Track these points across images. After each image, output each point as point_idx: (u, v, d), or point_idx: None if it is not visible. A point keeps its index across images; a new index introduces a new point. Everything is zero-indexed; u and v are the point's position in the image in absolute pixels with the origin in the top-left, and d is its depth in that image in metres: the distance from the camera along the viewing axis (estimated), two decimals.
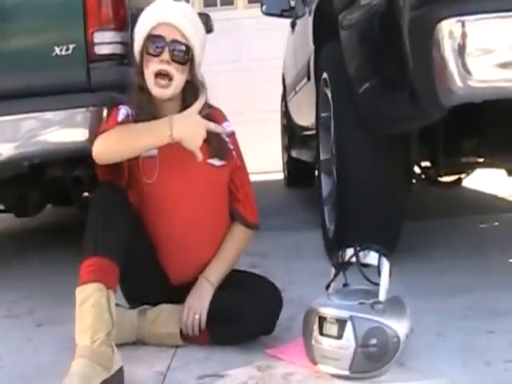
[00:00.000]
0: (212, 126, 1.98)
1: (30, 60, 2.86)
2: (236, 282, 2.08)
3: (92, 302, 1.76)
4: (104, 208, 1.91)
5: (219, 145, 2.10)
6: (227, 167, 2.14)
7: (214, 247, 2.13)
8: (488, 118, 2.89)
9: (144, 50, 2.05)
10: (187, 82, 2.08)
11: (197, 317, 2.00)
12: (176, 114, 2.03)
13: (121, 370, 1.77)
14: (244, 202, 2.19)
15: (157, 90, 2.03)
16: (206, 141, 2.00)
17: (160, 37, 2.02)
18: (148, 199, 2.09)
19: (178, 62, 2.02)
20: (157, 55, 2.01)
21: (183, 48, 2.03)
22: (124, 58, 2.93)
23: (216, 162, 2.10)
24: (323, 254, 3.06)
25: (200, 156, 1.93)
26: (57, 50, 2.82)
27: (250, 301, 1.98)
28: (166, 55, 2.01)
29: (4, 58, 2.86)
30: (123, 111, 2.09)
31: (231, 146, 2.17)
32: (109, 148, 1.96)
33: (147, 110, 2.06)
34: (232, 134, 2.19)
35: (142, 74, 2.07)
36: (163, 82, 2.02)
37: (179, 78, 2.04)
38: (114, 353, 1.76)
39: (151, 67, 2.02)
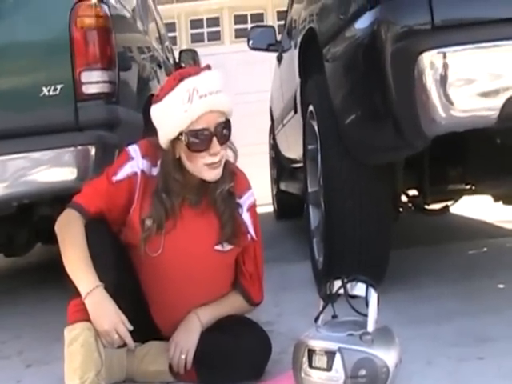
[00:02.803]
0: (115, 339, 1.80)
1: (17, 101, 2.87)
2: (225, 325, 2.04)
3: (81, 342, 1.75)
4: (92, 247, 1.87)
5: (233, 229, 2.01)
6: (237, 249, 2.07)
7: None
8: (472, 145, 2.92)
9: (181, 143, 1.88)
10: None
11: (183, 357, 1.96)
12: (200, 180, 1.95)
13: None
14: (252, 279, 2.13)
15: (210, 175, 1.91)
16: (219, 225, 1.98)
17: (204, 130, 1.86)
18: (147, 267, 2.03)
19: (225, 143, 1.91)
20: (205, 149, 1.87)
21: (226, 125, 1.91)
22: (112, 96, 2.95)
23: (225, 246, 2.03)
24: (312, 285, 3.06)
25: (116, 342, 1.81)
26: (44, 90, 2.83)
27: (239, 348, 1.96)
28: (215, 147, 1.87)
29: None
30: (131, 166, 1.98)
31: (249, 222, 2.08)
32: (58, 234, 1.92)
33: (178, 192, 1.95)
34: (252, 206, 2.10)
35: (177, 164, 1.93)
36: (217, 167, 1.90)
37: (225, 153, 1.94)
38: None
39: (200, 161, 1.88)
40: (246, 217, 2.08)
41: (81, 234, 1.89)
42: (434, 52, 1.97)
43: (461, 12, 2.03)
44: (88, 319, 1.78)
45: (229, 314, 2.09)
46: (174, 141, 1.90)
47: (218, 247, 2.02)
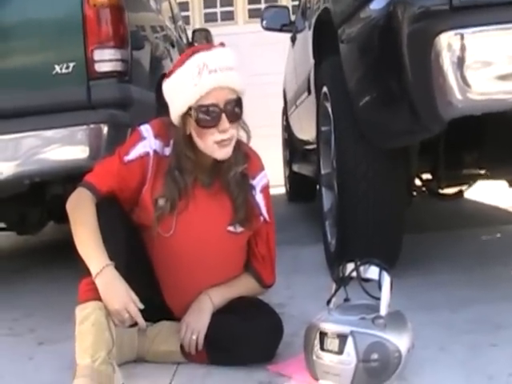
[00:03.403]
0: (132, 311, 1.79)
1: (30, 78, 2.88)
2: (237, 307, 2.03)
3: (92, 321, 1.75)
4: (103, 227, 1.86)
5: (246, 213, 2.00)
6: (249, 232, 2.06)
7: None
8: (488, 129, 2.89)
9: (191, 118, 1.88)
10: None
11: (194, 337, 1.96)
12: (212, 159, 1.93)
13: None
14: (264, 261, 2.12)
15: (220, 154, 1.89)
16: (232, 207, 1.97)
17: (213, 105, 1.85)
18: (159, 248, 2.02)
19: (236, 121, 1.89)
20: (214, 125, 1.86)
21: (238, 103, 1.89)
22: (124, 75, 2.95)
23: (238, 228, 2.02)
24: (325, 268, 3.05)
25: (127, 321, 1.81)
26: (57, 68, 2.83)
27: (250, 330, 1.95)
28: (224, 124, 1.85)
29: (4, 77, 2.87)
30: (144, 146, 1.96)
31: (262, 203, 2.06)
32: (70, 213, 1.92)
33: (191, 170, 1.94)
34: (265, 188, 2.08)
35: (188, 142, 1.92)
36: (227, 145, 1.88)
37: (237, 133, 1.92)
38: (114, 371, 1.75)
39: (210, 139, 1.87)
40: (259, 198, 2.07)
41: (92, 214, 1.88)
42: (451, 33, 1.94)
43: None
44: (99, 298, 1.78)
45: (240, 296, 2.08)
46: (185, 117, 1.90)
47: (231, 228, 2.01)
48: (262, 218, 2.07)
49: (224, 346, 1.96)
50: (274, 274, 2.15)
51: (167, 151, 1.97)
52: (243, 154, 2.00)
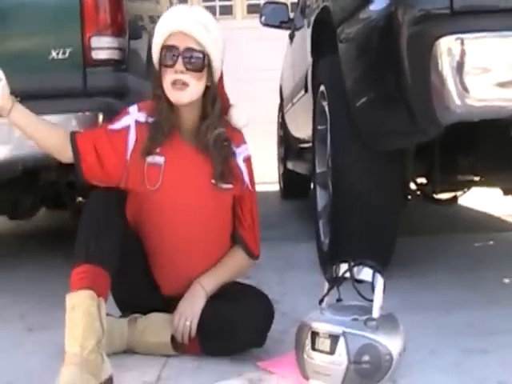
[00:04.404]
0: None
1: (26, 63, 2.85)
2: (228, 293, 2.06)
3: (82, 310, 1.75)
4: (98, 216, 1.90)
5: (222, 169, 2.05)
6: (233, 191, 2.10)
7: (210, 264, 2.09)
8: (485, 136, 2.90)
9: (160, 61, 2.02)
10: (207, 89, 2.05)
11: (187, 323, 1.99)
12: (195, 121, 2.05)
13: (110, 379, 1.77)
14: (249, 230, 2.15)
15: (173, 96, 1.99)
16: (210, 163, 2.03)
17: (173, 47, 1.98)
18: (147, 207, 2.07)
19: (194, 70, 1.99)
20: (171, 66, 1.98)
21: (198, 55, 1.99)
22: (121, 63, 2.93)
23: (221, 184, 2.06)
24: (317, 266, 3.05)
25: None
26: (53, 53, 2.81)
27: (241, 313, 1.97)
28: (179, 65, 1.97)
29: (0, 60, 2.85)
30: (126, 121, 2.06)
31: (245, 171, 2.12)
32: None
33: (167, 116, 2.03)
34: (247, 159, 2.14)
35: (160, 85, 2.03)
36: (179, 87, 1.98)
37: (195, 85, 2.00)
38: (103, 361, 1.75)
39: (167, 78, 1.99)
40: (243, 167, 2.12)
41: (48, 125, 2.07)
42: (451, 38, 1.94)
43: None
44: (91, 287, 1.78)
45: (232, 278, 2.12)
46: (160, 64, 2.02)
47: (215, 182, 2.05)
48: (245, 183, 2.12)
49: (216, 331, 1.97)
50: (258, 246, 2.18)
51: (151, 120, 2.07)
52: (222, 120, 2.08)
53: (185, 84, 1.98)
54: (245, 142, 2.15)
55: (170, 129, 2.04)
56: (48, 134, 2.04)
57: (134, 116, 2.07)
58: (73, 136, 2.03)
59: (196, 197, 2.05)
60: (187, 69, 1.98)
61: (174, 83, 1.98)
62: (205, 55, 2.00)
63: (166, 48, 1.99)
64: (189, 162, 2.05)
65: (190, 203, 2.05)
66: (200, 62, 2.00)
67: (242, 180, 2.11)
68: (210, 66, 2.03)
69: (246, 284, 2.17)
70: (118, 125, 2.05)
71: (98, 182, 2.04)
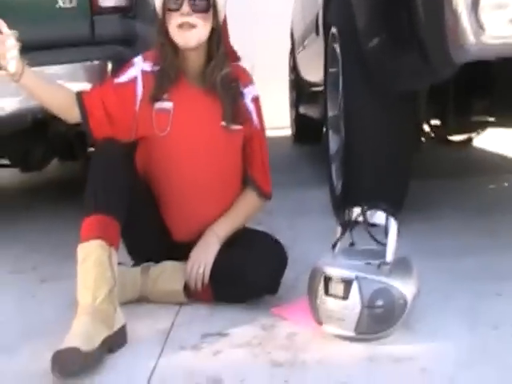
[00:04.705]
0: None
1: (33, 12, 2.82)
2: (241, 240, 2.06)
3: (93, 260, 1.75)
4: (104, 166, 1.89)
5: (232, 110, 2.05)
6: (242, 132, 2.10)
7: (221, 209, 2.09)
8: (500, 76, 2.84)
9: (165, 6, 1.99)
10: (212, 31, 2.03)
11: (201, 271, 1.99)
12: (201, 65, 2.03)
13: (123, 328, 1.77)
14: (260, 170, 2.15)
15: (181, 38, 1.98)
16: (220, 104, 2.01)
17: None
18: (157, 152, 2.06)
19: (200, 11, 1.97)
20: (177, 9, 1.96)
21: None
22: (128, 11, 2.91)
23: (231, 125, 2.06)
24: (329, 211, 3.04)
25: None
26: (60, 1, 2.79)
27: (254, 259, 1.96)
28: (185, 8, 1.95)
29: (7, 10, 2.80)
30: (132, 72, 2.04)
31: (253, 111, 2.12)
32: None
33: (172, 61, 2.01)
34: (255, 99, 2.14)
35: (165, 31, 2.01)
36: (186, 30, 1.96)
37: (203, 27, 1.98)
38: (116, 311, 1.75)
39: (173, 22, 1.97)
40: (251, 107, 2.12)
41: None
42: None
43: None
44: (101, 236, 1.78)
45: (245, 222, 2.14)
46: (164, 9, 2.00)
47: (225, 123, 2.05)
48: (254, 123, 2.12)
49: (228, 278, 1.97)
50: (270, 185, 2.18)
51: (156, 68, 2.05)
52: (228, 60, 2.07)
53: (192, 26, 1.96)
54: (252, 82, 2.14)
55: (176, 74, 2.03)
56: (55, 96, 2.04)
57: (139, 66, 2.06)
58: (79, 95, 2.02)
59: (206, 140, 2.05)
60: (193, 10, 1.96)
61: (181, 26, 1.96)
62: None
63: None
64: (197, 105, 2.05)
65: (200, 147, 2.05)
66: (206, 3, 1.98)
67: (251, 120, 2.11)
68: (214, 6, 2.01)
69: (259, 230, 2.16)
70: (124, 77, 2.05)
71: (108, 137, 2.01)
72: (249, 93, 2.11)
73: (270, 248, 2.03)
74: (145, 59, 2.07)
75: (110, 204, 1.83)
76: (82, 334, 1.63)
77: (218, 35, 2.04)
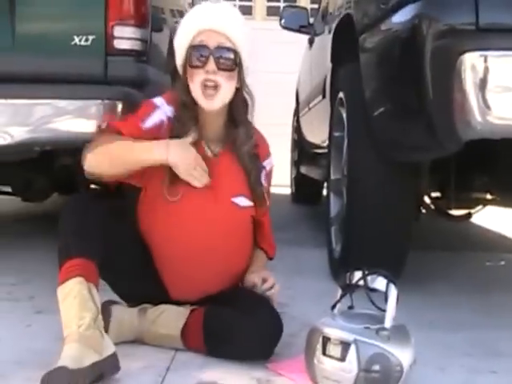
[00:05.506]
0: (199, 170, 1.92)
1: (48, 46, 2.88)
2: (240, 301, 2.01)
3: (74, 295, 1.74)
4: (73, 212, 1.89)
5: (261, 190, 2.06)
6: (252, 210, 2.07)
7: (225, 275, 2.07)
8: (501, 155, 2.90)
9: (187, 62, 1.95)
10: (236, 91, 1.98)
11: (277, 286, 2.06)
12: (220, 126, 1.99)
13: (114, 356, 1.74)
14: (267, 240, 2.21)
15: (204, 101, 1.93)
16: (246, 181, 2.01)
17: (203, 46, 1.92)
18: (163, 216, 2.01)
19: (225, 70, 1.92)
20: (201, 66, 1.91)
21: (230, 53, 1.93)
22: (142, 55, 2.97)
23: (242, 201, 2.03)
24: (326, 272, 3.05)
25: (199, 184, 1.92)
26: (76, 39, 2.84)
27: (250, 324, 1.92)
28: (211, 65, 1.90)
29: (24, 41, 2.87)
30: (158, 116, 1.99)
31: (265, 184, 2.11)
32: (100, 156, 1.94)
33: (188, 125, 1.96)
34: (270, 172, 2.13)
35: (186, 89, 1.97)
36: (211, 91, 1.91)
37: (227, 87, 1.94)
38: (103, 337, 1.74)
39: (196, 79, 1.92)
40: (263, 180, 2.10)
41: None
42: (476, 54, 1.95)
43: (507, 16, 2.01)
44: (79, 274, 1.76)
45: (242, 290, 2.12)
46: (185, 66, 1.95)
47: (235, 200, 2.02)
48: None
49: (222, 338, 1.94)
50: (275, 248, 2.25)
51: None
52: (253, 131, 2.04)
53: (217, 86, 1.91)
54: (270, 153, 2.13)
55: (196, 140, 1.97)
56: None
57: (165, 110, 2.01)
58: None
59: (216, 213, 2.00)
60: (219, 68, 1.91)
61: (205, 85, 1.91)
62: (236, 53, 1.94)
63: (194, 47, 1.93)
64: (212, 175, 1.98)
65: (209, 218, 2.00)
66: (232, 61, 1.93)
67: (268, 196, 2.11)
68: (240, 64, 1.97)
69: (258, 295, 2.09)
70: (150, 122, 1.98)
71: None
72: (267, 164, 2.11)
73: (267, 316, 1.98)
74: (168, 102, 2.02)
75: (82, 247, 1.81)
76: (69, 357, 1.63)
77: (242, 96, 2.00)
